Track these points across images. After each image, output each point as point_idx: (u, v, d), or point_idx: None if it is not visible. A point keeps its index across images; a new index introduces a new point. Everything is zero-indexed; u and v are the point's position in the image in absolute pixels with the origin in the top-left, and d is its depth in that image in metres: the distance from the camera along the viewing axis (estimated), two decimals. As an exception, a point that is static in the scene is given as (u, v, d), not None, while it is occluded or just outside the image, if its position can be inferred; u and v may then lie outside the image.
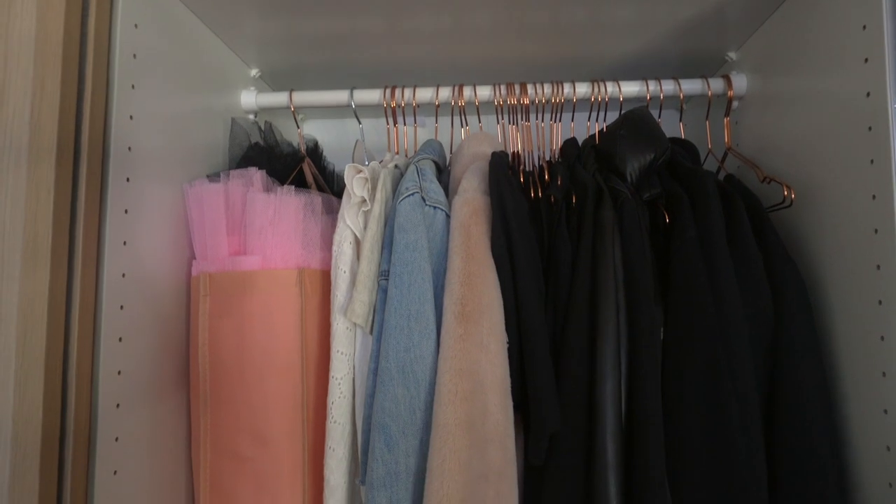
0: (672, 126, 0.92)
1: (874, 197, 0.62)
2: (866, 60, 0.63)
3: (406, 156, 0.92)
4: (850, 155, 0.66)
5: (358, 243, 0.73)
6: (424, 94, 0.91)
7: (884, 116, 0.61)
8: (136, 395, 0.65)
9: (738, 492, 0.61)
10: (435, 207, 0.72)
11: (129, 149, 0.65)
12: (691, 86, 0.90)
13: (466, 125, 0.93)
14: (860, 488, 0.64)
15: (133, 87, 0.66)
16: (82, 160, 0.59)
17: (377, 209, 0.72)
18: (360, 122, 0.95)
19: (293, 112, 0.94)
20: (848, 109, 0.67)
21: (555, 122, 0.92)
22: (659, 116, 0.85)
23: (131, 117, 0.65)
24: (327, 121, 1.18)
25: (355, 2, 0.78)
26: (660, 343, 0.67)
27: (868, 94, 0.63)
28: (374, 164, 0.78)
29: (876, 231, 0.62)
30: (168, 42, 0.74)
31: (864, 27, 0.63)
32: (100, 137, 0.62)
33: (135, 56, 0.66)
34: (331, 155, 1.01)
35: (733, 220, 0.72)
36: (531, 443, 0.64)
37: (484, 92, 0.91)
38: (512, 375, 0.65)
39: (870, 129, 0.63)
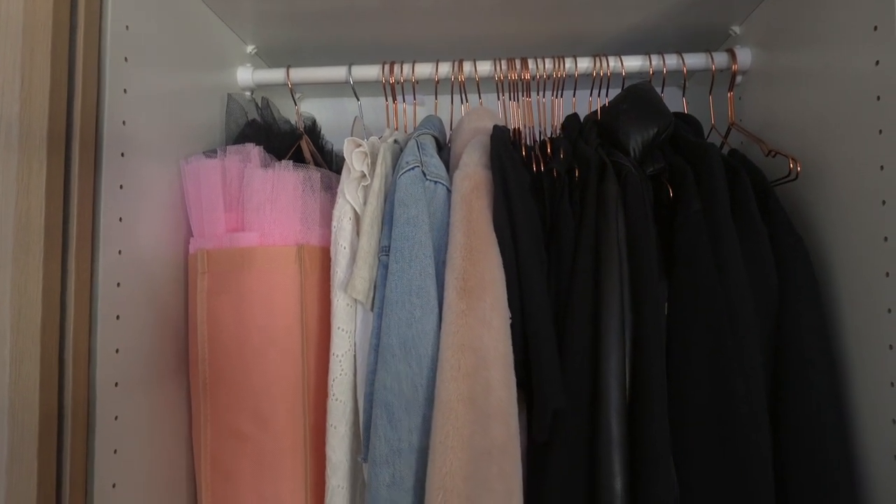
0: (675, 102, 0.90)
1: (882, 168, 0.61)
2: (875, 28, 0.62)
3: (405, 133, 0.91)
4: (857, 125, 0.65)
5: (358, 219, 0.72)
6: (424, 69, 0.90)
7: (893, 85, 0.60)
8: (135, 374, 0.65)
9: (744, 467, 0.60)
10: (436, 182, 0.71)
11: (124, 123, 0.64)
12: (695, 60, 0.89)
13: (467, 102, 0.92)
14: (866, 461, 0.64)
15: (126, 59, 0.64)
16: (75, 134, 0.58)
17: (377, 184, 0.71)
18: (358, 99, 0.94)
19: (290, 89, 0.93)
20: (856, 79, 0.65)
21: (556, 97, 0.91)
22: (662, 92, 0.84)
23: (125, 91, 0.64)
24: (325, 99, 1.16)
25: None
26: (664, 318, 0.67)
27: (877, 63, 0.62)
28: (373, 138, 0.77)
29: (884, 202, 0.61)
30: (162, 15, 0.72)
31: (874, -6, 0.62)
32: (93, 111, 0.60)
33: (127, 28, 0.65)
34: (329, 134, 1.00)
35: (738, 193, 0.71)
36: (535, 420, 0.64)
37: (484, 67, 0.90)
38: (514, 351, 0.65)
39: (878, 98, 0.62)
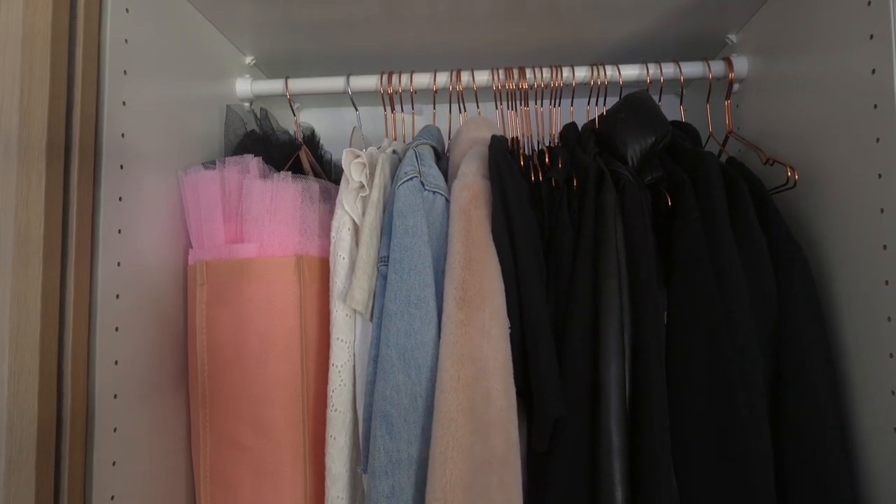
0: (672, 110, 0.90)
1: (880, 176, 0.61)
2: (871, 37, 0.62)
3: (404, 143, 0.91)
4: (854, 134, 0.65)
5: (356, 229, 0.72)
6: (422, 79, 0.90)
7: (889, 93, 0.60)
8: (135, 386, 0.64)
9: (745, 474, 0.60)
10: (434, 192, 0.71)
11: (123, 135, 0.64)
12: (692, 69, 0.89)
13: (465, 111, 0.92)
14: (867, 470, 0.64)
15: (125, 72, 0.65)
16: (74, 147, 0.58)
17: (375, 194, 0.71)
18: (356, 110, 0.94)
19: (289, 99, 0.93)
20: (852, 88, 0.66)
21: (554, 107, 0.91)
22: (659, 100, 0.84)
23: (124, 103, 0.64)
24: (324, 109, 1.16)
25: (351, -14, 0.77)
26: (663, 326, 0.67)
27: (873, 72, 0.62)
28: (371, 149, 0.77)
29: (882, 211, 0.61)
30: (160, 27, 0.72)
31: (869, 3, 0.62)
32: (92, 124, 0.60)
33: (126, 41, 0.65)
34: (328, 144, 1.00)
35: (736, 201, 0.71)
36: (535, 429, 0.63)
37: (482, 77, 0.90)
38: (514, 361, 0.64)
39: (875, 106, 0.62)
